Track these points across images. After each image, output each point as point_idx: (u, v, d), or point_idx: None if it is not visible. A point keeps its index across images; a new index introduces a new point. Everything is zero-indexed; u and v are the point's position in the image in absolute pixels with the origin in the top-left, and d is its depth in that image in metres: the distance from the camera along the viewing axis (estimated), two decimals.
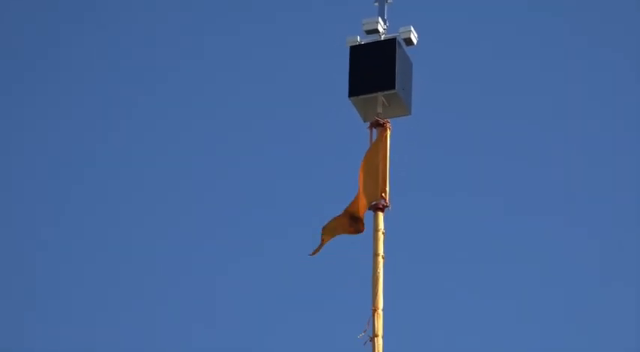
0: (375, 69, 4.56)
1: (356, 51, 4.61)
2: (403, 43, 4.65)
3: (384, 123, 4.54)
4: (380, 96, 4.52)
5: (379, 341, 4.04)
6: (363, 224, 4.36)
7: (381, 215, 4.38)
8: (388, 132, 4.56)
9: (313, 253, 4.21)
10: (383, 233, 4.33)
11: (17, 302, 16.36)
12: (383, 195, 4.40)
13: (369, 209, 4.40)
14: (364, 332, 3.95)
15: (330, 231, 4.35)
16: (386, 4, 4.69)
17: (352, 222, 4.38)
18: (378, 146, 4.52)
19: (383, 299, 4.17)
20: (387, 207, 4.39)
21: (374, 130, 4.61)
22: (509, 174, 15.93)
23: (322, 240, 4.21)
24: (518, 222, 15.95)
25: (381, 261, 4.26)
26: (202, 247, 17.02)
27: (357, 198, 4.36)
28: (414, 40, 4.71)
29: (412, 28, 4.67)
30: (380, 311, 4.11)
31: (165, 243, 17.66)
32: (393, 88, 4.46)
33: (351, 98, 4.60)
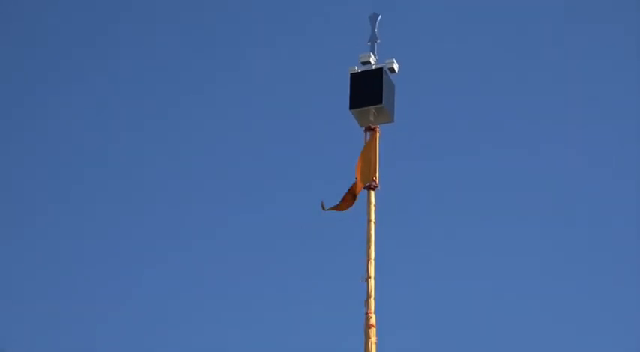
0: (368, 89, 6.32)
1: (354, 77, 6.40)
2: (388, 71, 6.44)
3: (374, 128, 6.30)
4: (371, 109, 6.28)
5: (371, 282, 5.68)
6: (354, 202, 6.10)
7: (372, 193, 6.08)
8: (377, 134, 6.31)
9: (325, 208, 5.91)
10: (374, 205, 6.03)
11: None
12: (374, 178, 6.11)
13: (364, 188, 6.10)
14: (361, 277, 5.62)
15: (337, 206, 6.09)
16: (376, 43, 6.51)
17: (350, 198, 6.10)
18: (370, 144, 6.27)
19: (374, 251, 5.82)
20: (377, 187, 6.09)
21: (367, 133, 6.37)
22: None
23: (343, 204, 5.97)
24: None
25: (373, 225, 5.93)
26: None
27: (356, 182, 6.09)
28: (396, 69, 6.52)
29: (395, 61, 6.49)
30: (372, 260, 5.75)
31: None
32: (381, 103, 6.23)
33: (351, 110, 6.36)
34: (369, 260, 5.70)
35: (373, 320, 5.25)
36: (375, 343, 5.17)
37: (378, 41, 6.54)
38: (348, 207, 6.11)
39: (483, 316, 19.12)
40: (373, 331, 5.17)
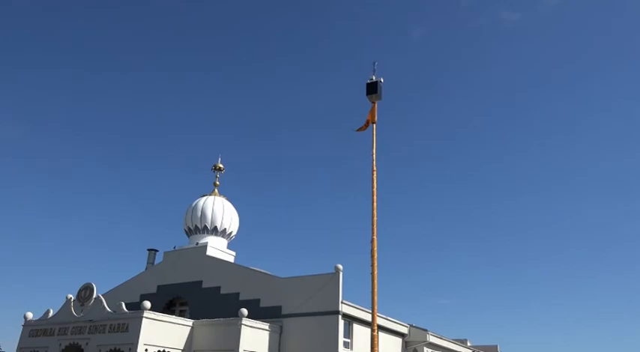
0: (372, 88, 19.13)
1: (368, 85, 19.28)
2: (380, 82, 19.19)
3: (374, 102, 19.23)
4: (373, 95, 19.14)
5: (375, 127, 18.84)
6: (367, 127, 19.22)
7: (374, 126, 19.10)
8: (375, 104, 19.24)
9: (358, 130, 19.08)
10: (375, 129, 19.06)
11: None
12: (374, 120, 19.11)
13: (371, 123, 19.14)
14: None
15: (363, 127, 19.23)
16: (374, 72, 19.25)
17: (365, 125, 19.22)
18: (373, 107, 19.21)
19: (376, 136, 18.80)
20: (375, 122, 19.10)
21: (372, 103, 19.36)
22: None
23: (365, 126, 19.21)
24: None
25: (375, 135, 18.99)
26: None
27: (367, 119, 19.15)
28: (382, 80, 19.32)
29: (382, 78, 19.25)
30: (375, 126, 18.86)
31: None
32: (376, 92, 19.07)
33: (367, 96, 19.21)
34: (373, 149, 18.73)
35: None
36: None
37: (375, 72, 19.22)
38: (365, 129, 19.07)
39: None
40: None
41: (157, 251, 34.69)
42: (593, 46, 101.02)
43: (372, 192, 19.00)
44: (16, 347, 26.64)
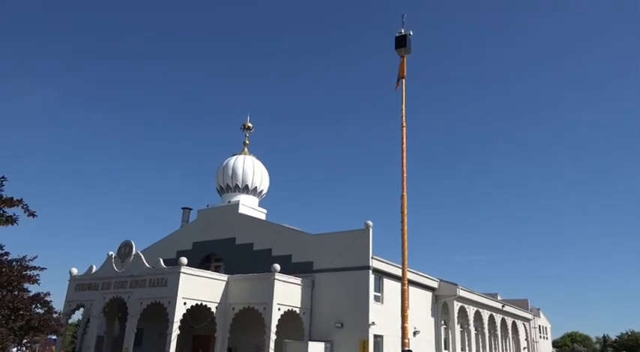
0: (401, 41, 18.58)
1: (397, 38, 18.71)
2: (409, 35, 18.60)
3: (403, 55, 18.83)
4: (402, 49, 18.62)
5: (404, 82, 18.56)
6: (399, 82, 18.82)
7: (404, 80, 18.71)
8: (405, 58, 18.77)
9: (395, 89, 18.75)
10: (404, 78, 18.68)
11: None
12: (404, 74, 18.69)
13: (401, 78, 18.74)
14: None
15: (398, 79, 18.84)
16: (403, 24, 18.66)
17: (398, 82, 18.82)
18: (402, 62, 18.76)
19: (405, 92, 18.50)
20: (404, 77, 18.72)
21: (401, 57, 18.88)
22: None
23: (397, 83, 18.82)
24: None
25: (404, 86, 18.65)
26: None
27: (400, 75, 18.72)
28: (411, 33, 18.71)
29: (410, 31, 18.65)
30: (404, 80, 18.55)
31: None
32: (405, 46, 18.50)
33: (396, 50, 18.69)
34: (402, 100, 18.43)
35: None
36: None
37: (404, 24, 18.64)
38: (398, 85, 18.72)
39: None
40: None
41: (191, 209, 35.64)
42: None
43: (402, 148, 18.79)
44: (64, 301, 28.23)
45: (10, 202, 9.76)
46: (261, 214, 33.02)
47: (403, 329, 16.63)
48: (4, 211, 9.81)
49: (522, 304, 51.83)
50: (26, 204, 9.87)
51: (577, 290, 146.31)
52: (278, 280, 24.06)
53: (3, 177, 10.02)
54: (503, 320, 42.56)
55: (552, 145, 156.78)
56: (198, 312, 24.21)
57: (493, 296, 42.79)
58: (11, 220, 9.83)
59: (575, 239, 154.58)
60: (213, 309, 23.99)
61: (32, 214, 9.94)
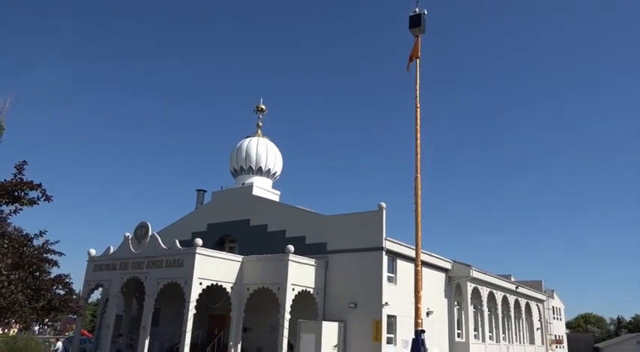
0: (416, 21, 18.31)
1: (411, 17, 18.45)
2: (424, 14, 18.32)
3: (417, 35, 18.57)
4: (417, 29, 18.37)
5: (418, 62, 18.46)
6: (411, 61, 18.63)
7: (418, 61, 18.49)
8: (419, 38, 18.54)
9: (408, 69, 18.59)
10: (419, 58, 18.48)
11: None
12: (418, 54, 18.46)
13: (414, 58, 18.53)
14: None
15: (410, 58, 18.68)
16: (417, 4, 18.40)
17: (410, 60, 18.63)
18: (416, 42, 18.53)
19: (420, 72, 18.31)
20: (418, 57, 18.45)
21: (415, 37, 18.66)
22: None
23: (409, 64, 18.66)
24: None
25: (418, 66, 18.49)
26: None
27: (412, 53, 18.51)
28: (425, 12, 18.45)
29: (425, 10, 18.38)
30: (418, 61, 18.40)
31: None
32: (419, 26, 18.27)
33: (410, 29, 18.49)
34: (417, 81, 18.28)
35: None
36: None
37: (418, 4, 18.39)
38: (410, 64, 18.52)
39: None
40: None
41: (206, 191, 35.94)
42: None
43: (416, 129, 18.70)
44: (83, 281, 28.86)
45: (31, 185, 10.02)
46: (275, 196, 33.21)
47: (416, 309, 16.80)
48: (26, 193, 10.06)
49: (536, 285, 51.67)
50: (44, 189, 10.14)
51: (591, 272, 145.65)
52: (292, 261, 24.29)
53: (24, 161, 10.26)
54: (516, 302, 42.57)
55: (569, 129, 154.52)
56: (213, 292, 24.61)
57: (507, 278, 42.76)
58: (32, 202, 10.11)
59: (590, 220, 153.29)
60: (229, 289, 24.37)
61: (48, 198, 10.22)
